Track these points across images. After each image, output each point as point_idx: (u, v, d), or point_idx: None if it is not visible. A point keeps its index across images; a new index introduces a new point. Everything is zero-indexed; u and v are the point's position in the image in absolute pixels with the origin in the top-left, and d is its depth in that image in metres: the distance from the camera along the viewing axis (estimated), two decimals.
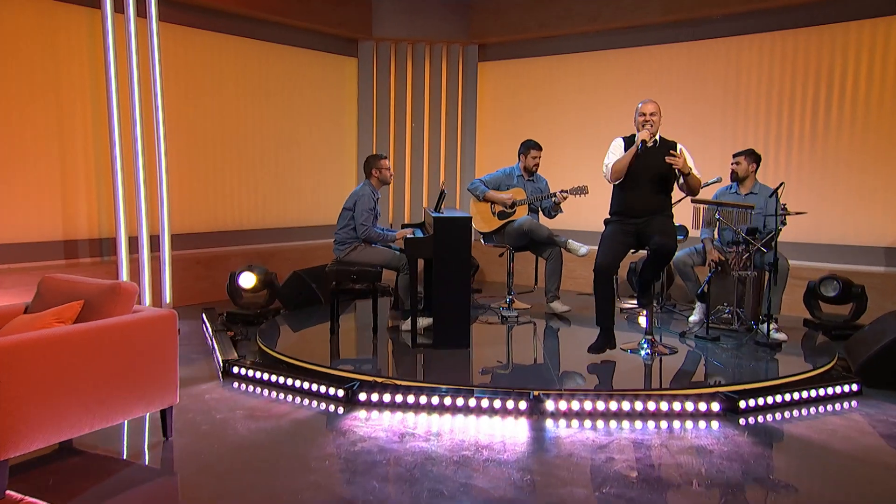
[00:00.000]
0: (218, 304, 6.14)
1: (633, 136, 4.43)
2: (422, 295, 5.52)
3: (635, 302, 5.94)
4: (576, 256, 5.67)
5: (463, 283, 4.65)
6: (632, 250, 4.51)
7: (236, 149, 7.04)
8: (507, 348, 4.95)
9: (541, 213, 6.03)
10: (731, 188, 5.34)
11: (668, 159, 4.17)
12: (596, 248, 4.47)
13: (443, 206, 5.17)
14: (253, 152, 7.19)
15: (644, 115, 4.34)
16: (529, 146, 5.92)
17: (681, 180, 4.35)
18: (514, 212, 5.87)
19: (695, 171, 4.37)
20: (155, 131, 5.88)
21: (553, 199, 5.78)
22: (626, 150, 4.38)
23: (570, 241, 5.69)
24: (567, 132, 7.63)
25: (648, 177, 4.31)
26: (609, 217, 4.53)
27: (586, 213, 7.12)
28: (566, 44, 7.58)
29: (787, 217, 4.79)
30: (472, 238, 4.72)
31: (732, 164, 5.28)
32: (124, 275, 5.83)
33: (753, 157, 5.24)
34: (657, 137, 4.38)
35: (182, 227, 6.60)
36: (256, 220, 7.27)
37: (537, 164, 5.93)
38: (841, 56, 6.13)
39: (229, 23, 6.82)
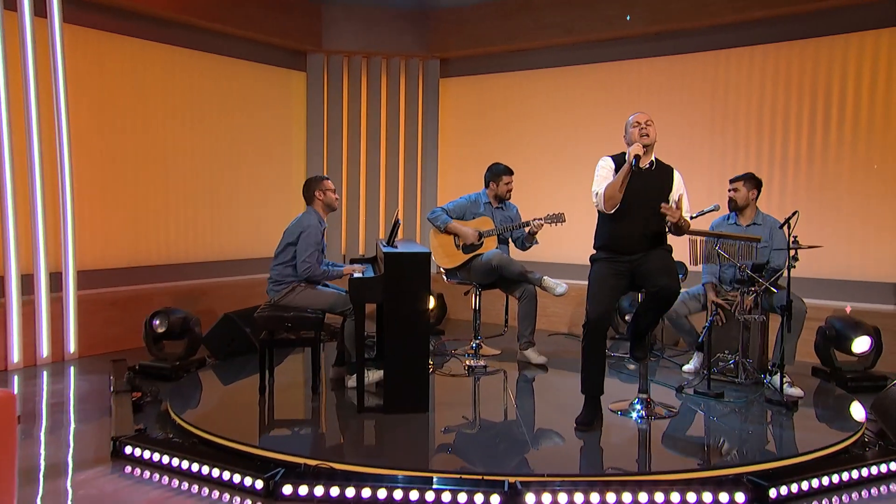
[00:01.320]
0: (134, 354, 5.19)
1: (623, 154, 3.75)
2: (373, 340, 4.76)
3: (624, 352, 5.19)
4: (552, 295, 4.96)
5: (420, 332, 3.86)
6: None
7: (164, 171, 6.14)
8: (475, 410, 4.11)
9: (512, 244, 5.34)
10: (728, 218, 4.68)
11: (663, 209, 3.52)
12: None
13: (397, 239, 4.40)
14: (184, 176, 6.30)
15: (639, 123, 3.66)
16: (500, 171, 5.24)
17: (668, 225, 3.69)
18: (482, 244, 5.16)
19: (686, 215, 3.72)
20: (57, 149, 4.97)
21: (526, 228, 5.08)
22: (616, 168, 3.69)
23: (545, 277, 4.97)
24: (539, 155, 6.99)
25: (643, 205, 3.63)
26: (595, 253, 3.81)
27: (563, 245, 6.50)
28: (538, 58, 6.97)
29: (798, 252, 4.08)
30: (434, 270, 3.96)
31: (730, 191, 4.62)
32: (14, 320, 4.86)
33: (753, 182, 4.58)
34: (653, 158, 3.69)
35: (95, 263, 5.66)
36: (187, 252, 6.35)
37: (510, 191, 5.25)
38: (840, 70, 5.57)
39: (155, 28, 5.98)
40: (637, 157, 3.49)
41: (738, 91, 5.99)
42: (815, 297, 5.41)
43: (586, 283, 3.79)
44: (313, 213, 4.39)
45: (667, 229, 3.70)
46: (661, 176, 3.72)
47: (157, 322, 4.81)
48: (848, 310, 4.97)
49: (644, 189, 3.61)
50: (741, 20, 5.85)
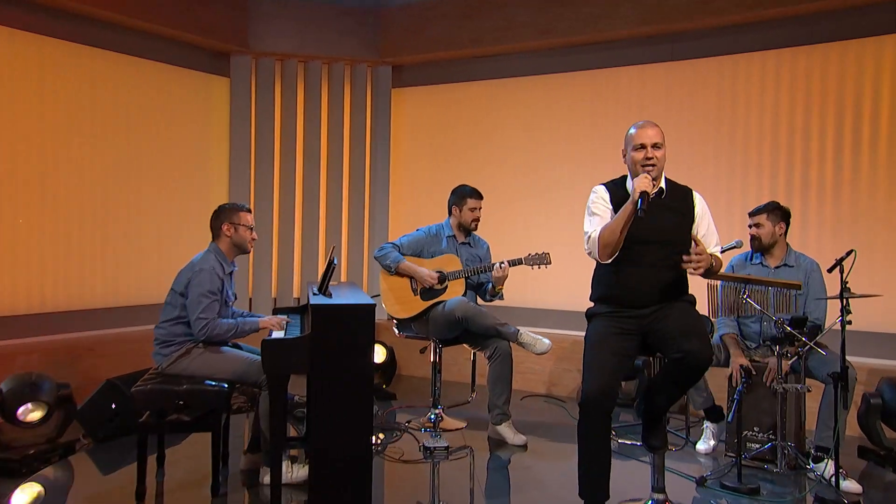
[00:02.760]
0: None
1: (624, 179, 3.11)
2: (302, 414, 4.07)
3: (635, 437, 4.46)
4: (532, 353, 4.25)
5: (360, 412, 3.07)
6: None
7: (39, 195, 5.22)
8: None
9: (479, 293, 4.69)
10: (751, 258, 4.07)
11: (685, 263, 2.86)
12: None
13: (330, 284, 3.64)
14: (67, 201, 5.37)
15: (643, 147, 2.99)
16: (465, 194, 4.61)
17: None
18: (445, 289, 4.49)
19: (716, 250, 3.10)
20: None
21: (496, 269, 4.39)
22: (613, 204, 3.04)
23: (523, 331, 4.27)
24: (511, 179, 6.35)
25: (655, 244, 2.99)
26: (593, 307, 3.15)
27: (547, 290, 5.87)
28: (508, 65, 6.37)
29: (849, 302, 3.41)
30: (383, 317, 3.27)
31: (751, 226, 4.01)
32: None
33: (779, 213, 3.98)
34: (662, 184, 3.05)
35: None
36: (68, 298, 5.39)
37: (477, 220, 4.61)
38: (873, 78, 5.01)
39: (32, 17, 5.12)
40: (644, 196, 2.80)
41: (749, 104, 5.43)
42: (857, 354, 4.76)
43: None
44: (213, 254, 3.62)
45: (689, 272, 3.00)
46: (676, 204, 3.07)
47: (8, 392, 3.85)
48: None
49: (655, 223, 2.94)
50: (751, 20, 5.33)
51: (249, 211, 3.75)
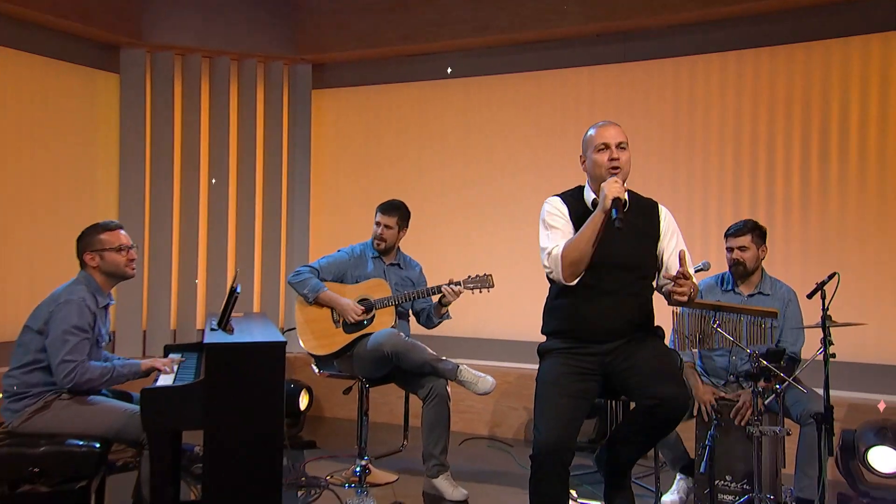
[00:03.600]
0: None
1: (580, 190, 2.91)
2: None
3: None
4: (473, 393, 3.95)
5: (268, 471, 2.78)
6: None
7: None
8: None
9: (413, 319, 4.45)
10: (723, 282, 3.88)
11: (673, 293, 2.66)
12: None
13: (233, 316, 3.30)
14: None
15: (607, 147, 2.77)
16: (378, 209, 4.43)
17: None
18: (372, 319, 4.19)
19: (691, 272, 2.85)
20: None
21: (435, 296, 4.20)
22: (573, 219, 2.80)
23: (462, 367, 3.98)
24: (449, 193, 6.13)
25: (617, 266, 2.76)
26: (546, 342, 2.90)
27: (489, 317, 5.66)
28: (443, 64, 6.15)
29: (830, 332, 3.22)
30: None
31: (733, 249, 3.80)
32: None
33: (760, 233, 3.82)
34: (625, 195, 2.79)
35: None
36: None
37: (382, 239, 4.34)
38: (840, 82, 4.95)
39: None
40: (617, 203, 2.56)
41: (709, 109, 5.33)
42: (834, 387, 4.61)
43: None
44: (84, 283, 3.17)
45: (674, 297, 2.75)
46: (641, 220, 2.85)
47: None
48: (882, 406, 4.21)
49: (618, 242, 2.69)
50: (711, 17, 5.21)
51: (119, 227, 3.30)
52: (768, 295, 3.76)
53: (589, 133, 2.85)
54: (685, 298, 2.63)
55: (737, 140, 5.25)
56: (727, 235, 3.84)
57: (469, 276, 4.15)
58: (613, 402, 3.73)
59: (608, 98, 5.63)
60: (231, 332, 3.07)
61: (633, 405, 2.88)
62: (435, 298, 4.21)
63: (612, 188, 2.59)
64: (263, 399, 2.77)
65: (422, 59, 6.21)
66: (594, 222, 2.62)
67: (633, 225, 2.75)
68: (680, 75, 5.43)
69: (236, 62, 6.31)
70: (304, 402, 5.10)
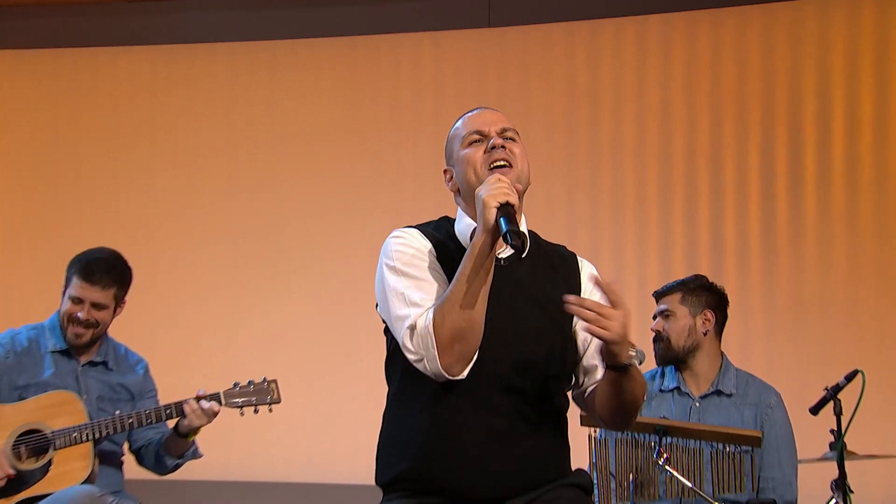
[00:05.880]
0: None
1: (445, 221, 2.35)
2: None
3: None
4: None
5: None
6: None
7: None
8: None
9: (131, 458, 3.42)
10: (661, 378, 3.16)
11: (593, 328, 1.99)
12: None
13: None
14: None
15: (482, 136, 2.25)
16: (72, 271, 3.35)
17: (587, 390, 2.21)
18: (48, 466, 3.14)
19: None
20: None
21: (170, 421, 3.21)
22: (441, 260, 2.26)
23: None
24: (201, 227, 5.07)
25: (512, 359, 2.18)
26: (386, 497, 2.23)
27: (281, 453, 4.72)
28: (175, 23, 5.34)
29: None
30: None
31: (655, 316, 3.13)
32: None
33: (706, 296, 3.09)
34: (524, 231, 2.20)
35: None
36: None
37: (90, 326, 3.31)
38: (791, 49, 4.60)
39: None
40: (507, 211, 2.01)
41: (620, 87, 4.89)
42: None
43: None
44: None
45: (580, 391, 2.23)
46: (547, 282, 2.23)
47: None
48: None
49: (508, 315, 2.15)
50: None
51: None
52: (731, 395, 2.96)
53: (455, 126, 2.32)
54: (614, 337, 1.95)
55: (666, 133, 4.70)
56: (654, 296, 3.18)
57: (235, 385, 3.13)
58: None
59: (462, 79, 5.12)
60: None
61: None
62: (171, 423, 3.13)
63: (494, 189, 2.03)
64: None
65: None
66: (477, 252, 2.04)
67: (541, 280, 2.20)
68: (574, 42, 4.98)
69: None
70: None
